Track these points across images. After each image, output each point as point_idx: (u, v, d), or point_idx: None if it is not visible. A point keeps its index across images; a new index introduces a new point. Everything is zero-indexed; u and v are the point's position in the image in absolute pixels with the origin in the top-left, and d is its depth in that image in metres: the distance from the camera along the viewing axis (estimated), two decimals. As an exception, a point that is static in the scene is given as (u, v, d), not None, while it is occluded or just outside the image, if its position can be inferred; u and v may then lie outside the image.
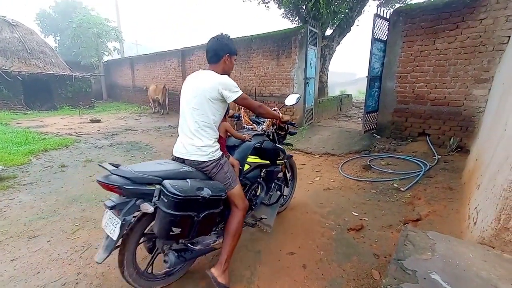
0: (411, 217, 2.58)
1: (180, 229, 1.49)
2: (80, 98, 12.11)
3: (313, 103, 6.74)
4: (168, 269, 1.78)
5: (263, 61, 7.55)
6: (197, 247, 1.74)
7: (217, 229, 1.90)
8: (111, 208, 1.45)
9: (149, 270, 1.75)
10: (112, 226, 1.45)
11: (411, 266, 1.36)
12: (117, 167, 1.47)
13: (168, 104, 11.02)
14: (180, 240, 1.67)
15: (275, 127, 2.43)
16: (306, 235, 2.49)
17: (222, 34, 1.84)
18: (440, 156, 4.27)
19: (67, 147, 5.65)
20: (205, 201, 1.51)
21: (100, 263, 1.42)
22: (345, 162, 4.66)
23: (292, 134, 2.76)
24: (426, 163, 4.07)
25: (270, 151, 2.21)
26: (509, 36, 3.83)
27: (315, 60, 6.45)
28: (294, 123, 2.63)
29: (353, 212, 2.94)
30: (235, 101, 1.71)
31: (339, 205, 3.16)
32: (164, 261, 1.69)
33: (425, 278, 1.27)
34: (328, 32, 8.49)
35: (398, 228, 2.50)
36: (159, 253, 1.72)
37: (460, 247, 1.53)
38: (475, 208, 2.00)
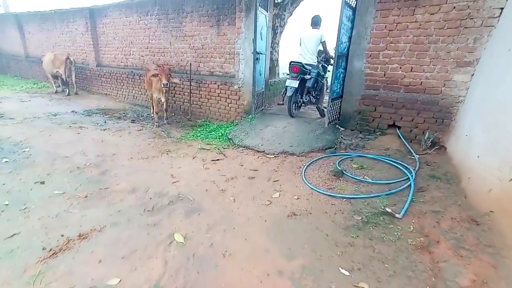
0: None
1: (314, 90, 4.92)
2: None
3: (263, 86, 5.45)
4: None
5: (199, 29, 5.84)
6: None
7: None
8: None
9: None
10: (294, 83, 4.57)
11: None
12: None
13: (77, 82, 8.37)
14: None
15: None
16: None
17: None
18: (418, 155, 3.52)
19: None
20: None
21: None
22: (308, 165, 3.57)
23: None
24: (407, 166, 3.24)
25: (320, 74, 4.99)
26: (502, 9, 3.10)
27: (266, 29, 5.08)
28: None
29: (340, 269, 1.82)
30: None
31: (316, 252, 2.01)
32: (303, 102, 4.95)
33: None
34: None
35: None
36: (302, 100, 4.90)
37: None
38: None
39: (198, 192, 2.93)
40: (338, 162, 3.51)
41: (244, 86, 5.44)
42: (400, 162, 3.36)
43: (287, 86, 4.77)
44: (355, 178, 3.10)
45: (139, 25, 6.82)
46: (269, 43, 5.32)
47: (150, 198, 2.76)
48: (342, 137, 4.30)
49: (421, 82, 3.79)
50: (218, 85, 5.83)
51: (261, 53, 4.90)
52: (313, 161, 3.67)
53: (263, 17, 4.90)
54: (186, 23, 6.01)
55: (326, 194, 2.85)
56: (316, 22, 4.70)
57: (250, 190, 3.02)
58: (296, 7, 7.00)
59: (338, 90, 4.40)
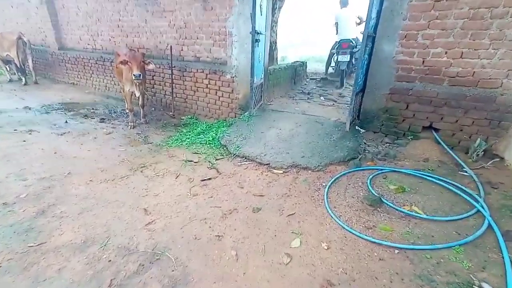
0: None
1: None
2: None
3: (262, 75, 4.43)
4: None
5: (181, 2, 4.66)
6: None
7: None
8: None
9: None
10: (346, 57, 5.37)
11: None
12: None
13: (36, 68, 7.02)
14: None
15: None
16: None
17: None
18: (472, 170, 2.70)
19: None
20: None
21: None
22: (330, 186, 2.69)
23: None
24: (464, 188, 2.42)
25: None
26: None
27: (266, 1, 3.98)
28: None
29: None
30: None
31: None
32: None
33: None
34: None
35: None
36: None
37: None
38: None
39: (183, 243, 2.02)
40: (370, 181, 2.65)
41: (238, 76, 4.40)
42: (454, 183, 2.53)
43: (340, 61, 5.61)
44: (402, 211, 2.25)
45: (106, -3, 5.52)
46: (269, 20, 4.25)
47: (110, 261, 1.82)
48: (365, 143, 3.43)
49: (474, 72, 2.89)
50: (206, 74, 4.76)
51: (260, 33, 3.84)
52: (335, 180, 2.79)
53: (263, -15, 3.80)
54: (163, -5, 4.80)
55: (367, 240, 2.00)
56: (344, 2, 5.24)
57: (258, 233, 2.12)
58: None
59: (361, 82, 3.46)
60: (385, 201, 2.37)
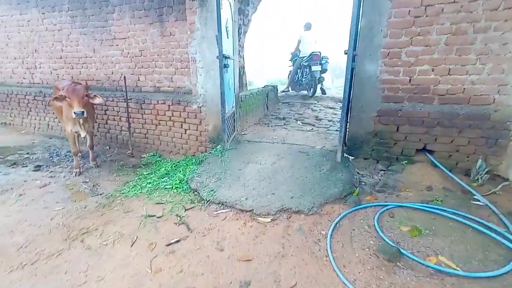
0: None
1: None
2: None
3: (234, 103, 3.94)
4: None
5: (134, 28, 4.12)
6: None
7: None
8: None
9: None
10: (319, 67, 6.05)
11: None
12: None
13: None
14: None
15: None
16: None
17: None
18: (484, 197, 2.37)
19: None
20: None
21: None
22: (332, 234, 2.16)
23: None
24: (486, 223, 2.04)
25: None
26: None
27: (232, 23, 3.60)
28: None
29: None
30: None
31: None
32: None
33: None
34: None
35: None
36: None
37: None
38: None
39: None
40: (377, 223, 2.17)
41: (206, 105, 3.87)
42: (473, 217, 2.15)
43: (313, 71, 6.10)
44: (430, 267, 1.77)
45: (44, 25, 4.77)
46: (236, 44, 3.86)
47: None
48: (358, 172, 3.01)
49: (464, 89, 2.69)
50: (169, 106, 4.16)
51: (229, 58, 3.40)
52: (335, 225, 2.27)
53: (227, 5, 3.42)
54: (114, 21, 4.22)
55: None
56: (308, 26, 6.12)
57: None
58: (260, 2, 5.69)
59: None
60: (404, 252, 1.88)
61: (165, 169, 3.71)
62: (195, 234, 2.35)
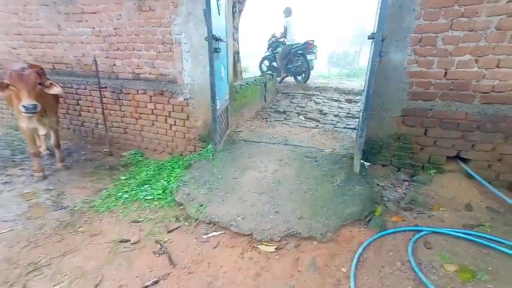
0: None
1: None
2: None
3: (227, 95, 3.34)
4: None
5: (107, 1, 3.38)
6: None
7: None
8: None
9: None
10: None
11: None
12: None
13: None
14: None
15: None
16: None
17: None
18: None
19: None
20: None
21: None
22: (355, 273, 1.68)
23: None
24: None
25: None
26: None
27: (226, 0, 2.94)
28: None
29: None
30: None
31: None
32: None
33: None
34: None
35: None
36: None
37: None
38: None
39: None
40: (413, 260, 1.70)
41: (194, 97, 3.27)
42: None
43: (309, 60, 6.01)
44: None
45: (-3, -5, 3.95)
46: (230, 23, 3.22)
47: None
48: (378, 184, 2.52)
49: (515, 86, 2.18)
50: (151, 97, 3.52)
51: (220, 40, 2.76)
52: (358, 259, 1.79)
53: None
54: (81, -8, 3.47)
55: None
56: (288, 12, 5.65)
57: None
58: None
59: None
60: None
61: (147, 173, 3.14)
62: (179, 270, 1.83)
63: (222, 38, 2.82)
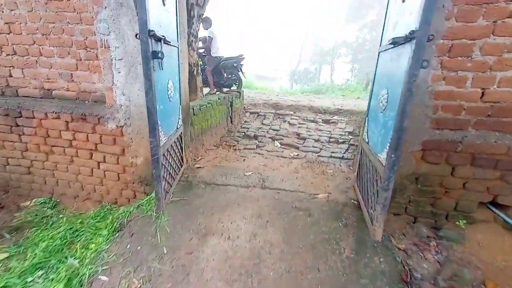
0: None
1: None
2: None
3: (181, 121, 2.39)
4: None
5: (-3, -16, 2.28)
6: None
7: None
8: None
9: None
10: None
11: None
12: None
13: None
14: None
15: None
16: None
17: None
18: None
19: None
20: None
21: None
22: None
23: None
24: None
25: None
26: None
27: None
28: None
29: None
30: None
31: None
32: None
33: None
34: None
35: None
36: None
37: None
38: None
39: None
40: None
41: (132, 123, 2.28)
42: None
43: (244, 72, 5.77)
44: None
45: None
46: (184, 23, 2.34)
47: None
48: (396, 246, 1.77)
49: None
50: (67, 122, 2.43)
51: (167, 42, 1.85)
52: None
53: None
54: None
55: None
56: (207, 22, 4.95)
57: None
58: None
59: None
60: None
61: (47, 245, 1.99)
62: None
63: (168, 40, 1.90)
